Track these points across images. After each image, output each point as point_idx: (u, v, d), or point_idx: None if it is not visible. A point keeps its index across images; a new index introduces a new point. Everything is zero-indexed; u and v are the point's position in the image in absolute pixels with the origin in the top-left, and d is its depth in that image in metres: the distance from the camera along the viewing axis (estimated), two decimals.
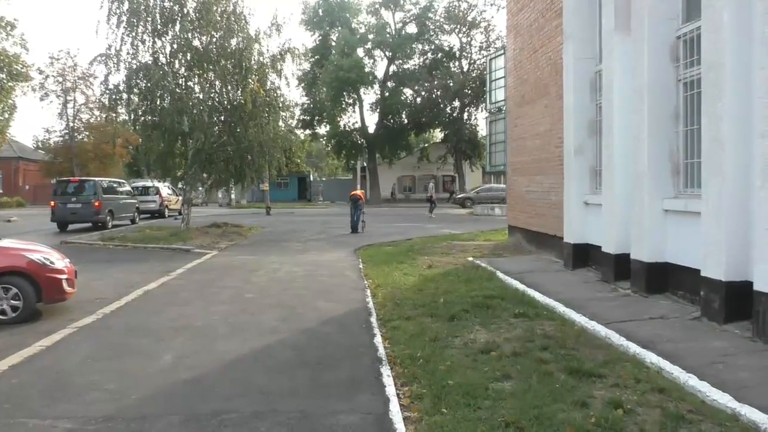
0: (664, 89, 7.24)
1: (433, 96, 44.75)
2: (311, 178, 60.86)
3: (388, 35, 45.98)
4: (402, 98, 46.04)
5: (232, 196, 44.85)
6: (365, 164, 48.01)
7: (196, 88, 17.81)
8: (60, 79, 40.61)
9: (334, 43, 45.60)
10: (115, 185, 22.78)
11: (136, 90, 16.96)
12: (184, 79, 17.66)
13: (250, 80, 17.35)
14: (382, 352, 5.44)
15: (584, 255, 9.65)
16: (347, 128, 46.33)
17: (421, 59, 47.58)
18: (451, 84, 43.76)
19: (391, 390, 4.43)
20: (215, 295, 8.48)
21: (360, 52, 44.87)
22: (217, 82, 17.70)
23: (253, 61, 17.63)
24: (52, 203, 20.33)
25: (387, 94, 45.92)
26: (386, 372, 4.85)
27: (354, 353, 5.50)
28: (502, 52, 17.52)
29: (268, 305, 7.76)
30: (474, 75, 43.46)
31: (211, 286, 9.25)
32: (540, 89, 11.99)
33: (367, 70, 44.51)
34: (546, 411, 3.86)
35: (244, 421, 3.93)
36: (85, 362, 5.29)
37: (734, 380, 4.30)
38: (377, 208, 36.27)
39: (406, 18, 47.20)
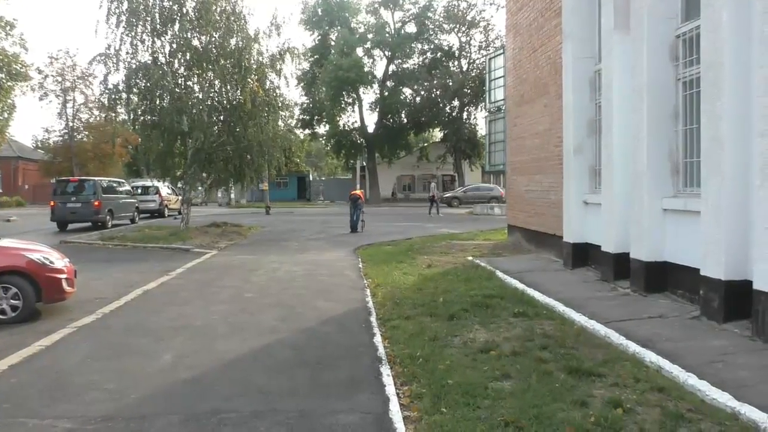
0: (664, 88, 7.24)
1: (433, 95, 44.76)
2: (311, 178, 60.86)
3: (387, 35, 45.96)
4: (401, 98, 46.03)
5: (232, 196, 44.85)
6: (365, 164, 48.02)
7: (196, 88, 17.80)
8: (59, 79, 40.72)
9: (333, 43, 45.57)
10: (114, 185, 22.80)
11: (135, 90, 16.97)
12: (183, 79, 17.66)
13: (249, 80, 17.35)
14: (381, 351, 5.44)
15: (584, 254, 9.66)
16: (347, 128, 46.34)
17: (421, 59, 47.58)
18: (451, 83, 43.77)
19: (390, 389, 4.43)
20: (215, 295, 8.48)
21: (359, 51, 44.88)
22: (216, 82, 17.70)
23: (252, 61, 17.65)
24: (52, 203, 20.32)
25: (386, 93, 45.90)
26: (386, 371, 4.85)
27: (353, 353, 5.50)
28: (501, 51, 17.54)
29: (268, 305, 7.76)
30: (473, 74, 43.48)
31: (210, 286, 9.25)
32: (539, 88, 11.99)
33: (366, 69, 44.52)
34: (545, 410, 3.86)
35: (244, 420, 3.93)
36: (84, 362, 5.28)
37: (734, 379, 4.31)
38: (377, 207, 36.27)
39: (405, 17, 47.23)
